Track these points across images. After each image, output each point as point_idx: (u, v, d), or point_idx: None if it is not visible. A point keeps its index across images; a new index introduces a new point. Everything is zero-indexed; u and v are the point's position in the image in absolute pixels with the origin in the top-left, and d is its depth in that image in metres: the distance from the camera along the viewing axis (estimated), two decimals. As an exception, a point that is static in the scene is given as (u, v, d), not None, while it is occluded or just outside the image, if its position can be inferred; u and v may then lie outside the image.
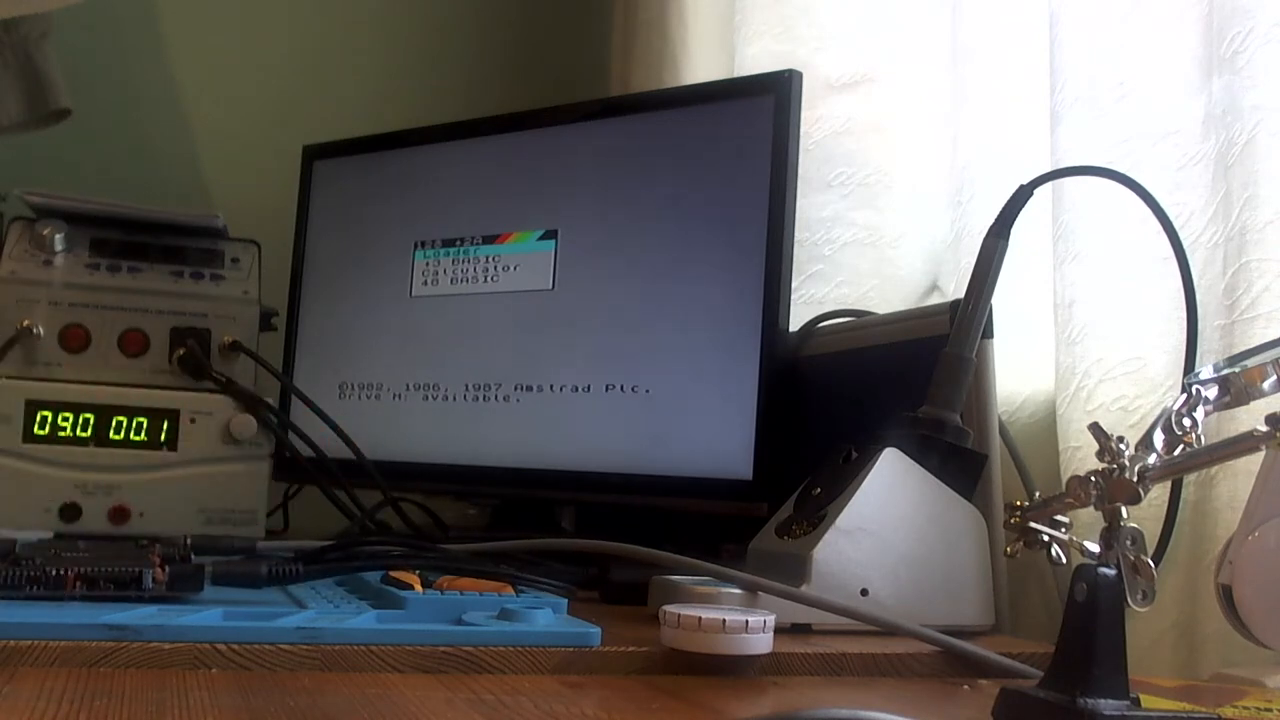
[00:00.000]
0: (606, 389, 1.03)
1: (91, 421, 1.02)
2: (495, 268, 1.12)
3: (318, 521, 1.16)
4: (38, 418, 1.01)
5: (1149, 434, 0.58)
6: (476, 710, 0.49)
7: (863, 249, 1.09)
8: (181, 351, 1.07)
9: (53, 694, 0.48)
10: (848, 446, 0.77)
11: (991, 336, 0.79)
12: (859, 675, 0.63)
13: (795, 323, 0.99)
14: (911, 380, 0.79)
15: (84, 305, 1.06)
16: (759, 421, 0.94)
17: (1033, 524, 0.61)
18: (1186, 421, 0.59)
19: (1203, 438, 0.59)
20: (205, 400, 1.05)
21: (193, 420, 1.04)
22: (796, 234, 0.98)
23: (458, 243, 1.15)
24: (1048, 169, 0.82)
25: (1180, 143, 0.78)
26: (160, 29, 1.53)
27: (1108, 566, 0.50)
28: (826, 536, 0.71)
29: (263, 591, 0.67)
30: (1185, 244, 0.75)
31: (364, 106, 1.54)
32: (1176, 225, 0.76)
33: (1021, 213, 0.79)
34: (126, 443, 1.03)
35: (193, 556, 0.72)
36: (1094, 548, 0.56)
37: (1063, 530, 0.61)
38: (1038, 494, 0.64)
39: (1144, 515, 0.74)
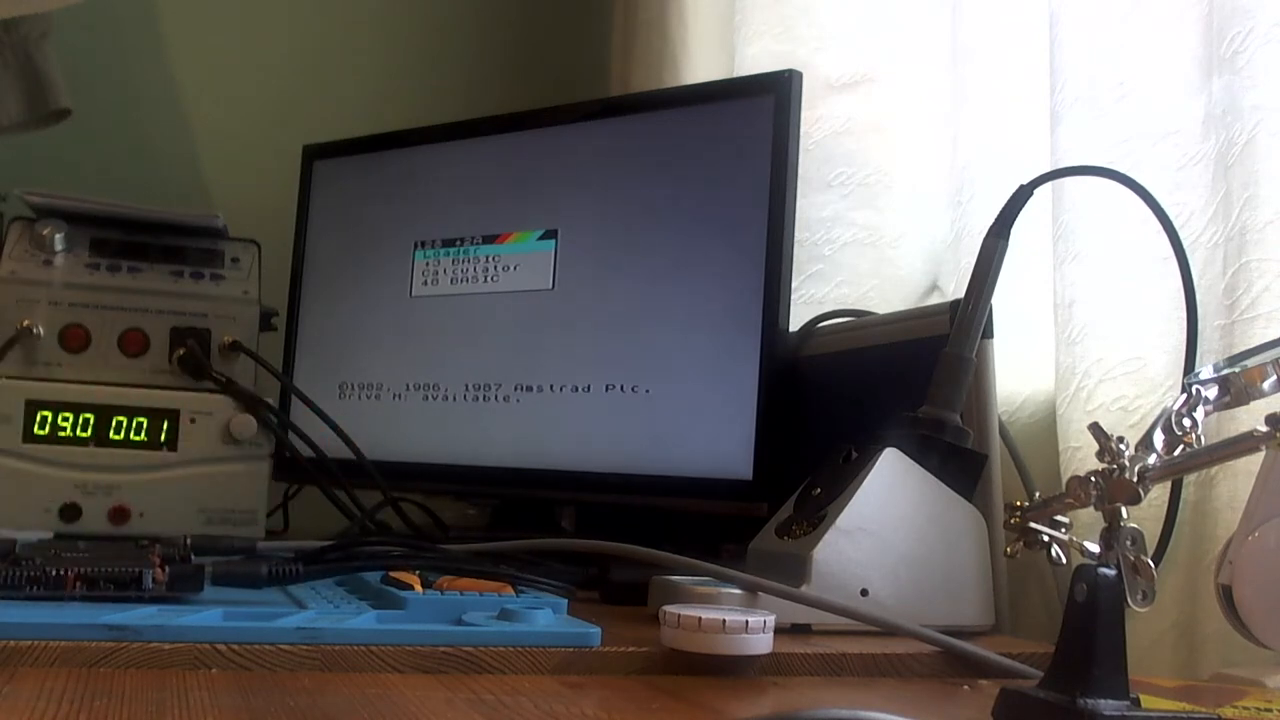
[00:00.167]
0: (606, 389, 1.03)
1: (91, 421, 1.02)
2: (495, 268, 1.12)
3: (318, 521, 1.16)
4: (38, 418, 1.01)
5: (1149, 434, 0.58)
6: (476, 710, 0.49)
7: (863, 249, 1.09)
8: (181, 351, 1.07)
9: (53, 694, 0.48)
10: (848, 446, 0.77)
11: (991, 336, 0.79)
12: (859, 675, 0.63)
13: (795, 323, 0.99)
14: (911, 380, 0.79)
15: (84, 305, 1.06)
16: (759, 422, 0.94)
17: (1033, 524, 0.61)
18: (1186, 421, 0.59)
19: (1203, 438, 0.59)
20: (205, 400, 1.05)
21: (193, 420, 1.04)
22: (796, 234, 0.98)
23: (458, 243, 1.15)
24: (1048, 169, 0.82)
25: (1180, 143, 0.78)
26: (160, 29, 1.53)
27: (1108, 566, 0.50)
28: (826, 536, 0.71)
29: (263, 591, 0.67)
30: (1185, 244, 0.75)
31: (364, 106, 1.54)
32: (1176, 225, 0.76)
33: (1021, 213, 0.79)
34: (126, 443, 1.03)
35: (193, 556, 0.72)
36: (1094, 548, 0.55)
37: (1063, 530, 0.61)
38: (1038, 494, 0.64)
39: (1144, 515, 0.74)
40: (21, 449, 1.01)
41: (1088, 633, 0.48)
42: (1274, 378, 0.62)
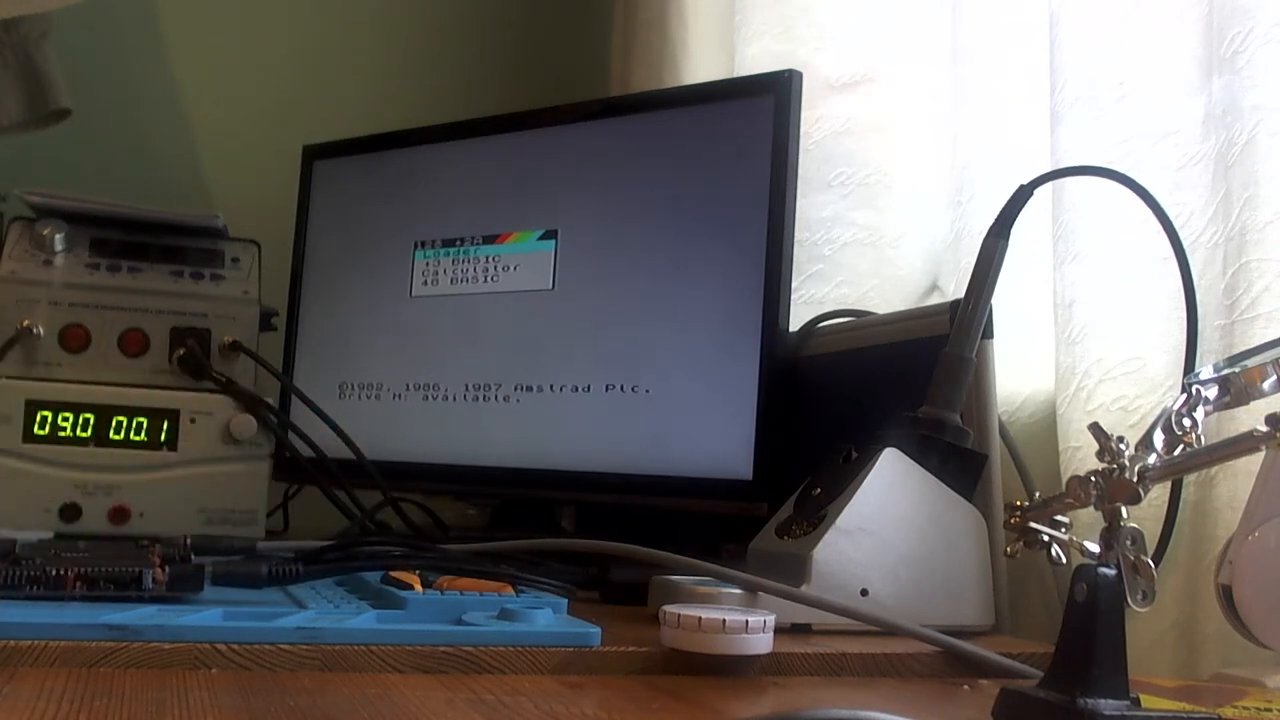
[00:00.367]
0: (606, 389, 1.03)
1: (91, 421, 1.02)
2: (495, 268, 1.12)
3: (318, 521, 1.16)
4: (38, 418, 1.01)
5: (1149, 434, 0.58)
6: (476, 710, 0.49)
7: (863, 249, 1.09)
8: (181, 351, 1.07)
9: (53, 694, 0.48)
10: (848, 446, 0.77)
11: (991, 336, 0.79)
12: (859, 675, 0.63)
13: (795, 323, 0.99)
14: (911, 380, 0.79)
15: (84, 305, 1.06)
16: (759, 421, 0.94)
17: (1033, 524, 0.61)
18: (1186, 421, 0.59)
19: (1203, 438, 0.59)
20: (205, 400, 1.05)
21: (193, 420, 1.04)
22: (796, 234, 0.98)
23: (458, 243, 1.15)
24: (1048, 169, 0.82)
25: (1180, 143, 0.78)
26: (160, 29, 1.53)
27: (1108, 566, 0.50)
28: (826, 536, 0.71)
29: (263, 591, 0.67)
30: (1185, 244, 0.75)
31: (364, 106, 1.54)
32: (1176, 225, 0.76)
33: (1021, 213, 0.79)
34: (126, 443, 1.03)
35: (193, 556, 0.72)
36: (1094, 548, 0.55)
37: (1063, 530, 0.61)
38: (1038, 494, 0.64)
39: (1144, 515, 0.74)
40: (21, 449, 1.01)
41: (1088, 633, 0.48)
42: (1274, 378, 0.62)
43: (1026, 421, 0.92)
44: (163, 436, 1.04)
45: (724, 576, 0.70)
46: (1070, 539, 0.60)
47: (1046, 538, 0.61)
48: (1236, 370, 0.63)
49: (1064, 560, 0.61)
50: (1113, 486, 0.55)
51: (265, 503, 1.07)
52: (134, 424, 1.03)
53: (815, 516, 0.73)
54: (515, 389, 1.09)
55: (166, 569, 0.63)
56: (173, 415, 1.04)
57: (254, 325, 1.10)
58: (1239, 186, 0.72)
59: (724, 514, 0.96)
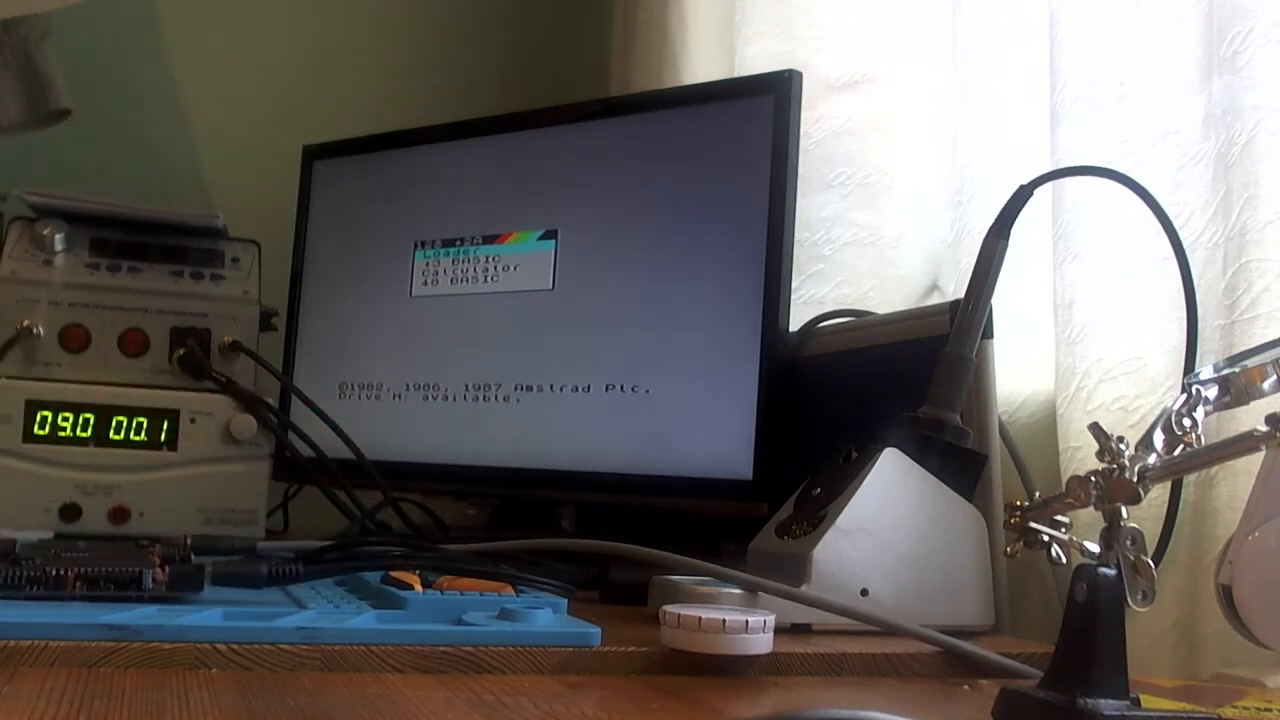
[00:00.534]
0: (606, 389, 1.03)
1: (91, 421, 1.02)
2: (495, 268, 1.12)
3: (318, 521, 1.16)
4: (38, 418, 1.01)
5: (1149, 434, 0.58)
6: (476, 710, 0.49)
7: (863, 249, 1.09)
8: (181, 351, 1.07)
9: (53, 694, 0.48)
10: (848, 446, 0.77)
11: (991, 336, 0.79)
12: (859, 675, 0.63)
13: (795, 323, 0.99)
14: (911, 380, 0.79)
15: (84, 305, 1.06)
16: (759, 421, 0.94)
17: (1033, 524, 0.61)
18: (1186, 421, 0.59)
19: (1203, 438, 0.59)
20: (205, 400, 1.05)
21: (193, 420, 1.04)
22: (796, 234, 0.98)
23: (458, 243, 1.15)
24: (1048, 169, 0.82)
25: (1180, 143, 0.78)
26: (160, 29, 1.53)
27: (1108, 566, 0.50)
28: (826, 536, 0.71)
29: (263, 591, 0.67)
30: (1185, 244, 0.75)
31: (364, 106, 1.54)
32: (1176, 225, 0.76)
33: (1021, 213, 0.79)
34: (126, 443, 1.03)
35: (193, 556, 0.72)
36: (1094, 548, 0.55)
37: (1063, 530, 0.61)
38: (1038, 494, 0.64)
39: (1144, 515, 0.74)
40: (21, 449, 1.01)
41: (1088, 633, 0.48)
42: (1274, 378, 0.62)
43: (1026, 421, 0.92)
44: (163, 436, 1.04)
45: (724, 576, 0.70)
46: (1070, 539, 0.60)
47: (1046, 538, 0.61)
48: (1236, 370, 0.63)
49: (1064, 560, 0.61)
50: (1113, 486, 0.55)
51: (265, 503, 1.07)
52: (134, 424, 1.03)
53: (815, 516, 0.73)
54: (515, 389, 1.09)
55: (166, 569, 0.63)
56: (173, 415, 1.04)
57: (254, 325, 1.10)
58: (1239, 186, 0.72)
59: (724, 514, 0.96)
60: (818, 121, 1.10)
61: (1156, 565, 0.59)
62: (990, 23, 0.99)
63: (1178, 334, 0.77)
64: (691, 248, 1.00)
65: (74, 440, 1.02)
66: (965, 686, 0.62)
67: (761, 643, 0.59)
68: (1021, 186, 0.79)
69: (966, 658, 0.64)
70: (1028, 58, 0.94)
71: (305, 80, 1.57)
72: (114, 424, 1.03)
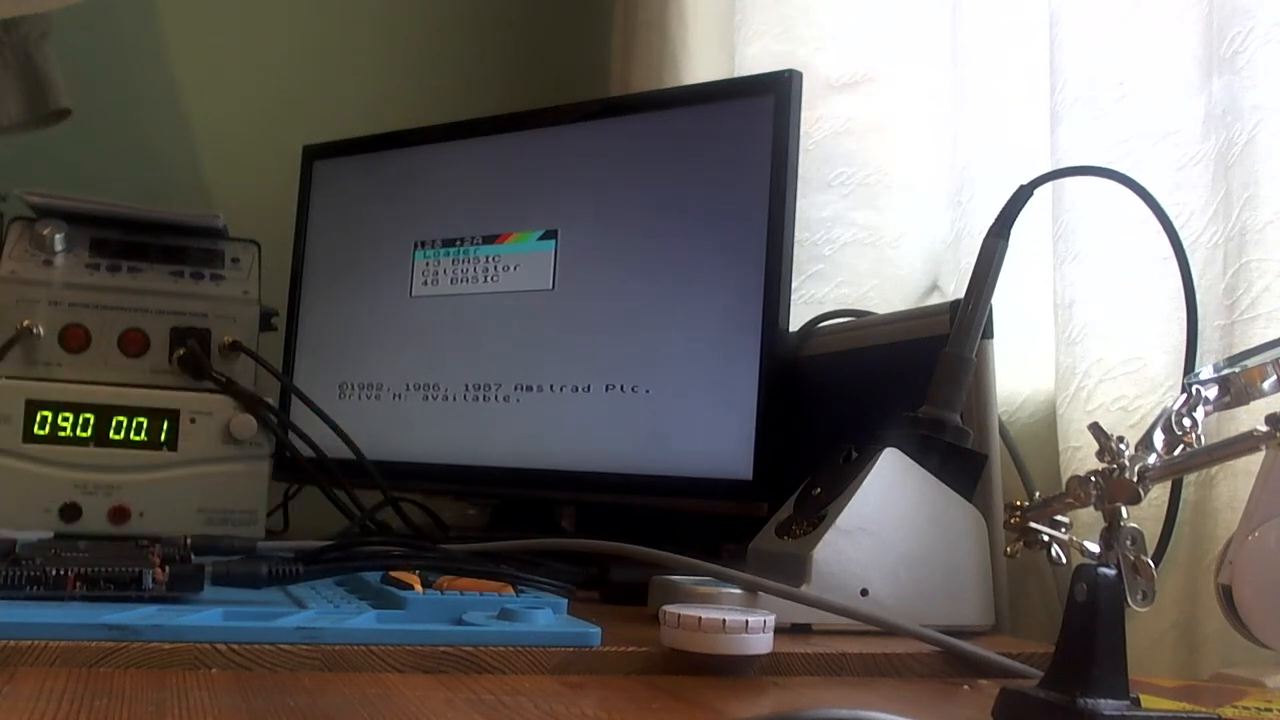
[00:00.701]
0: (606, 389, 1.03)
1: (91, 421, 1.02)
2: (495, 268, 1.12)
3: (318, 521, 1.16)
4: (38, 418, 1.01)
5: (1149, 434, 0.58)
6: (476, 710, 0.49)
7: (863, 249, 1.09)
8: (181, 351, 1.07)
9: (53, 694, 0.48)
10: (848, 446, 0.77)
11: (991, 336, 0.79)
12: (859, 675, 0.63)
13: (795, 323, 0.99)
14: (911, 380, 0.79)
15: (84, 305, 1.06)
16: (759, 421, 0.94)
17: (1033, 524, 0.61)
18: (1186, 421, 0.59)
19: (1203, 438, 0.59)
20: (205, 400, 1.05)
21: (193, 420, 1.04)
22: (796, 234, 0.98)
23: (458, 243, 1.15)
24: (1048, 169, 0.82)
25: (1180, 143, 0.78)
26: (160, 29, 1.53)
27: (1108, 566, 0.50)
28: (826, 536, 0.71)
29: (263, 591, 0.67)
30: (1185, 244, 0.75)
31: (364, 106, 1.54)
32: (1176, 225, 0.76)
33: (1021, 213, 0.79)
34: (126, 443, 1.03)
35: (193, 556, 0.72)
36: (1094, 548, 0.55)
37: (1063, 530, 0.61)
38: (1038, 494, 0.64)
39: (1144, 515, 0.74)
40: (21, 449, 1.01)
41: (1088, 633, 0.48)
42: (1274, 378, 0.62)
43: (1026, 421, 0.92)
44: (163, 436, 1.04)
45: (724, 576, 0.70)
46: (1070, 539, 0.60)
47: (1046, 538, 0.61)
48: (1236, 370, 0.63)
49: (1064, 560, 0.61)
50: (1113, 486, 0.55)
51: (265, 503, 1.07)
52: (134, 424, 1.03)
53: (815, 516, 0.73)
54: (515, 389, 1.09)
55: (166, 569, 0.63)
56: (173, 415, 1.04)
57: (254, 325, 1.10)
58: (1239, 186, 0.72)
59: (724, 514, 0.96)
60: (818, 121, 1.10)
61: (1156, 565, 0.59)
62: (990, 23, 0.99)
63: (1178, 334, 0.77)
64: (691, 248, 1.00)
65: (74, 440, 1.02)
66: (965, 686, 0.62)
67: (761, 643, 0.59)
68: (1021, 186, 0.79)
69: (966, 658, 0.64)
70: (1028, 58, 0.94)
71: (305, 80, 1.57)
72: (114, 424, 1.03)
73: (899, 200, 1.08)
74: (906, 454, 0.74)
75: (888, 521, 0.72)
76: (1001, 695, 0.51)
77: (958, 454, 0.76)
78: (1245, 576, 0.61)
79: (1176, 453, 0.58)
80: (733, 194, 0.98)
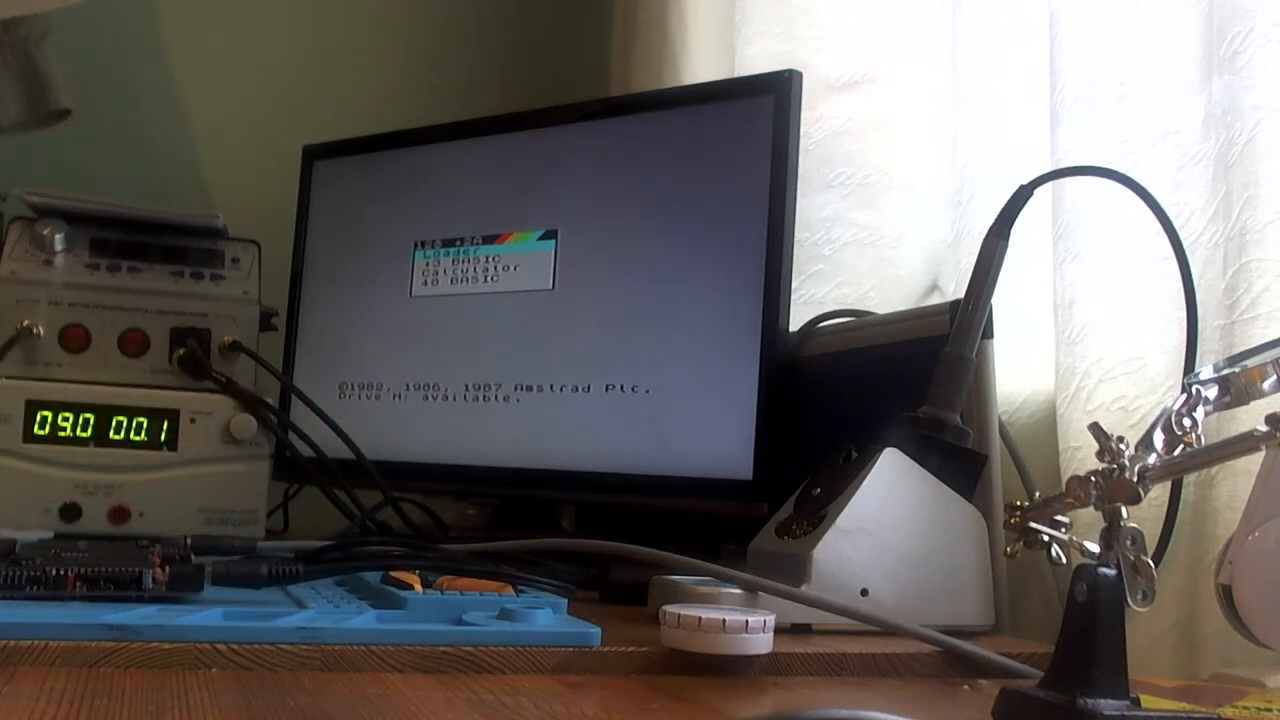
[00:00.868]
0: (606, 389, 1.03)
1: (91, 421, 1.02)
2: (495, 268, 1.12)
3: (318, 521, 1.16)
4: (38, 418, 1.01)
5: (1149, 434, 0.58)
6: (476, 710, 0.49)
7: (863, 249, 1.09)
8: (181, 351, 1.07)
9: (53, 694, 0.48)
10: (848, 446, 0.77)
11: (991, 336, 0.79)
12: (859, 675, 0.63)
13: (795, 323, 0.99)
14: (911, 380, 0.79)
15: (84, 305, 1.06)
16: (759, 421, 0.94)
17: (1033, 524, 0.61)
18: (1186, 421, 0.59)
19: (1203, 438, 0.59)
20: (205, 400, 1.05)
21: (193, 420, 1.04)
22: (796, 234, 0.98)
23: (458, 243, 1.15)
24: (1048, 169, 0.82)
25: (1180, 143, 0.78)
26: (160, 29, 1.53)
27: (1108, 566, 0.50)
28: (826, 536, 0.71)
29: (263, 591, 0.67)
30: (1185, 244, 0.75)
31: (364, 106, 1.54)
32: (1176, 225, 0.76)
33: (1021, 213, 0.79)
34: (126, 443, 1.03)
35: (193, 556, 0.72)
36: (1094, 548, 0.55)
37: (1063, 530, 0.61)
38: (1038, 494, 0.64)
39: (1144, 515, 0.74)
40: (21, 449, 1.01)
41: (1088, 633, 0.48)
42: (1274, 378, 0.62)
43: (1026, 421, 0.92)
44: (163, 436, 1.04)
45: (724, 576, 0.70)
46: (1070, 539, 0.60)
47: (1046, 538, 0.61)
48: (1236, 370, 0.63)
49: (1064, 560, 0.61)
50: (1113, 486, 0.55)
51: (265, 503, 1.07)
52: (134, 424, 1.03)
53: (815, 516, 0.73)
54: (515, 389, 1.09)
55: (166, 569, 0.63)
56: (173, 415, 1.04)
57: (254, 325, 1.10)
58: (1239, 186, 0.72)
59: (724, 514, 0.96)
60: (818, 121, 1.10)
61: (1156, 565, 0.59)
62: (990, 23, 0.98)
63: (1178, 334, 0.77)
64: (691, 248, 1.00)
65: (74, 440, 1.02)
66: (965, 686, 0.62)
67: (761, 643, 0.59)
68: (1021, 186, 0.79)
69: (966, 658, 0.64)
70: (1028, 58, 0.94)
71: (305, 80, 1.57)
72: (114, 424, 1.03)
73: (899, 200, 1.08)
74: (906, 454, 0.74)
75: (888, 521, 0.72)
76: (1001, 695, 0.51)
77: (958, 454, 0.76)
78: (1245, 576, 0.61)
79: (1176, 453, 0.58)
80: (733, 194, 0.98)
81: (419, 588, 0.64)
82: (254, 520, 1.05)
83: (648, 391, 1.01)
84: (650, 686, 0.57)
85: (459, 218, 1.16)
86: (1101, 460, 0.56)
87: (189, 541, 0.82)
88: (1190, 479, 0.74)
